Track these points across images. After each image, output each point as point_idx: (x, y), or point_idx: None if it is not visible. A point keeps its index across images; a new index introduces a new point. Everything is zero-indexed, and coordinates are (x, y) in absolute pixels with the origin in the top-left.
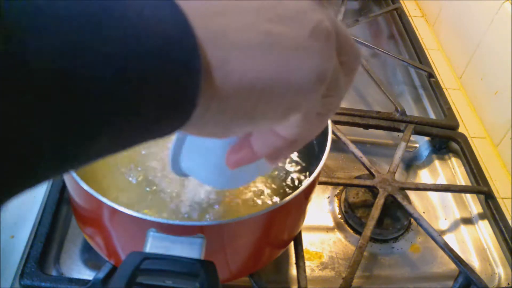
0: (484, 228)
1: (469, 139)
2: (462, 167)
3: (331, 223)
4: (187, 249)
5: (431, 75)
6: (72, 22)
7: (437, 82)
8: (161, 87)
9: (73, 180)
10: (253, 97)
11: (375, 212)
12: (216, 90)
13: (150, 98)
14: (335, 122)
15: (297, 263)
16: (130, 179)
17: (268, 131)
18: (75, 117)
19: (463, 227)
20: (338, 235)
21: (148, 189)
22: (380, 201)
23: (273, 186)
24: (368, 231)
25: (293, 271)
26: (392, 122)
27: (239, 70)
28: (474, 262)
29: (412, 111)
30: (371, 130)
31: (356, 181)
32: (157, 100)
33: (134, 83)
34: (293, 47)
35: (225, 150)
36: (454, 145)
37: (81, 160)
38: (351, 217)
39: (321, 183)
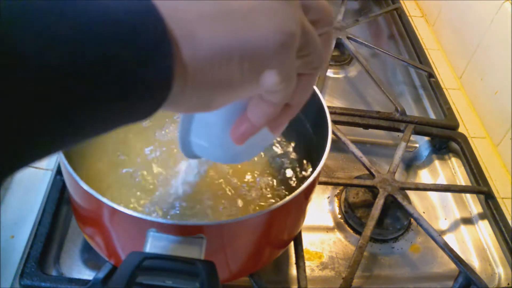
0: (484, 228)
1: (469, 139)
2: (462, 167)
3: (331, 223)
4: (187, 249)
5: (431, 75)
6: (51, 15)
7: (437, 82)
8: (133, 70)
9: (73, 180)
10: (224, 64)
11: (375, 212)
12: (188, 64)
13: (124, 81)
14: (335, 122)
15: (297, 263)
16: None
17: (259, 100)
18: (47, 100)
19: (463, 227)
20: (338, 235)
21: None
22: (380, 201)
23: (273, 186)
24: (368, 231)
25: (293, 271)
26: (392, 122)
27: (207, 41)
28: (474, 262)
29: (412, 111)
30: (371, 130)
31: (356, 181)
32: (131, 82)
33: (107, 67)
34: (253, 9)
35: (230, 126)
36: (454, 145)
37: (60, 143)
38: (351, 217)
39: (321, 183)
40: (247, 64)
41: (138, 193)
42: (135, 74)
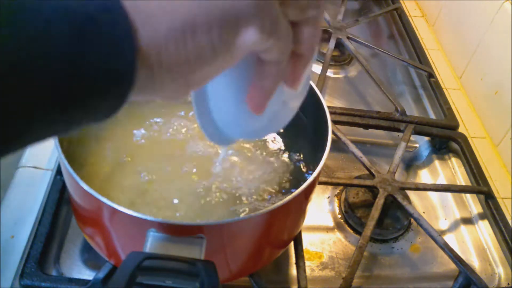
0: (484, 228)
1: (469, 139)
2: (462, 167)
3: (331, 223)
4: (187, 249)
5: (431, 75)
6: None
7: (437, 82)
8: (96, 62)
9: (73, 180)
10: (189, 38)
11: (375, 212)
12: (149, 47)
13: (87, 77)
14: (335, 122)
15: (297, 263)
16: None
17: (261, 63)
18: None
19: (463, 227)
20: (338, 235)
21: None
22: (380, 201)
23: (273, 185)
24: (368, 231)
25: (293, 271)
26: (392, 122)
27: (166, 20)
28: (474, 262)
29: (412, 111)
30: (371, 130)
31: (356, 181)
32: (94, 75)
33: (73, 61)
34: None
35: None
36: (454, 145)
37: (27, 139)
38: (351, 217)
39: (321, 183)
40: (216, 31)
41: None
42: (98, 69)
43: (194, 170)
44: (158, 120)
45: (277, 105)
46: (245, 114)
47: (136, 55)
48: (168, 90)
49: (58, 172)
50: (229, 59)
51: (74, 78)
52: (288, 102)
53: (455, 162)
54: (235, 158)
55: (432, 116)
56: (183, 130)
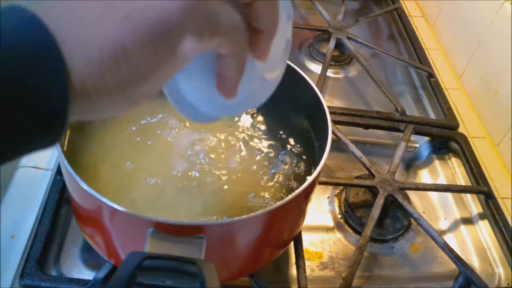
0: (484, 228)
1: (469, 139)
2: (462, 167)
3: (331, 223)
4: (187, 249)
5: (431, 75)
6: None
7: (437, 82)
8: (26, 112)
9: (73, 180)
10: (122, 60)
11: (375, 212)
12: (84, 79)
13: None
14: (335, 122)
15: (297, 263)
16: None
17: (219, 58)
18: None
19: (463, 227)
20: (338, 235)
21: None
22: (380, 201)
23: (273, 186)
24: (368, 231)
25: (293, 271)
26: (392, 122)
27: (94, 48)
28: (474, 262)
29: (412, 111)
30: (371, 130)
31: (356, 181)
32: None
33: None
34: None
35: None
36: (454, 145)
37: None
38: (351, 217)
39: (321, 183)
40: (149, 49)
41: (141, 193)
42: (29, 116)
43: (196, 170)
44: (160, 119)
45: (252, 82)
46: (220, 98)
47: (68, 94)
48: (115, 110)
49: (58, 172)
50: (177, 65)
51: (5, 124)
52: (265, 75)
53: (455, 162)
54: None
55: (432, 116)
56: (188, 130)
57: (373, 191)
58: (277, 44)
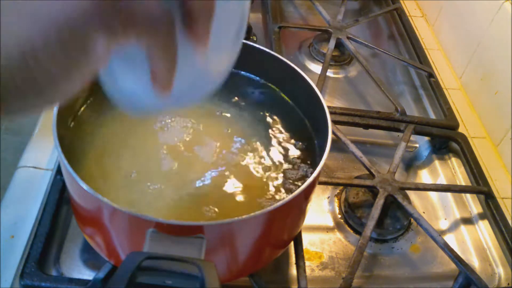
0: (484, 228)
1: (469, 139)
2: (462, 167)
3: (331, 223)
4: (187, 249)
5: (431, 75)
6: None
7: (437, 82)
8: None
9: (73, 180)
10: (34, 66)
11: (375, 212)
12: None
13: None
14: (335, 122)
15: (297, 263)
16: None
17: (147, 50)
18: None
19: (463, 227)
20: (338, 235)
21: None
22: (380, 201)
23: (273, 186)
24: (368, 231)
25: (293, 271)
26: (392, 122)
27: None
28: (474, 262)
29: (412, 111)
30: (371, 130)
31: (356, 181)
32: None
33: None
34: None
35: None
36: (454, 145)
37: None
38: (351, 217)
39: (321, 183)
40: (61, 54)
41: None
42: None
43: (196, 170)
44: (161, 119)
45: (194, 73)
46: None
47: None
48: (36, 110)
49: (58, 172)
50: (93, 64)
51: None
52: (209, 65)
53: (455, 162)
54: (232, 164)
55: (432, 116)
56: (190, 131)
57: (373, 191)
58: (224, 29)
